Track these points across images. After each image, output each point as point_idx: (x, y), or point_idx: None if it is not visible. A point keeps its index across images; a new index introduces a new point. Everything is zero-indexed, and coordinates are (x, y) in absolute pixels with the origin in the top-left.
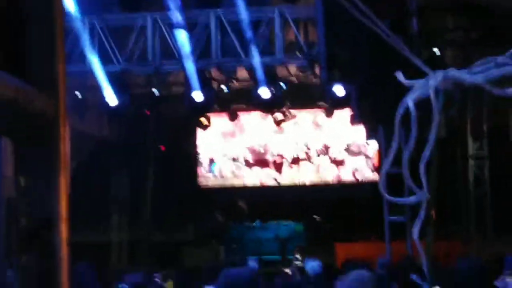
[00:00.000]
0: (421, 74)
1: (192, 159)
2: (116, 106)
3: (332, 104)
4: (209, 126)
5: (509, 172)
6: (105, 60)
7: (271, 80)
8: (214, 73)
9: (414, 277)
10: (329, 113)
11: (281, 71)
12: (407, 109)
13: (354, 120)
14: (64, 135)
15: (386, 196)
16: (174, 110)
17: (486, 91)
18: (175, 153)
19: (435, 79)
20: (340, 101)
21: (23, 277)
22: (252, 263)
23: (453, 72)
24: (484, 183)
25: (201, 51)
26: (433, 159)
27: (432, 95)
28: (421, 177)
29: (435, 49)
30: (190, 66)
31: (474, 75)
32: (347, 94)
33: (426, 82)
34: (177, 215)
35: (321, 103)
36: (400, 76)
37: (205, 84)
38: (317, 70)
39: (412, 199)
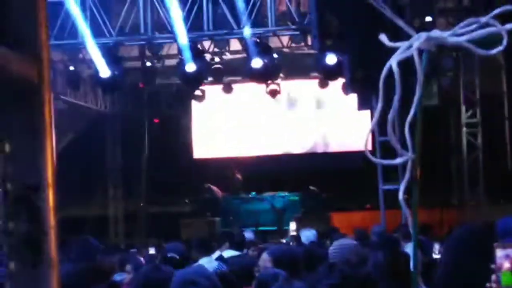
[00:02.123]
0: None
1: (187, 131)
2: (110, 79)
3: (325, 74)
4: (203, 98)
5: (501, 139)
6: (97, 32)
7: (264, 51)
8: (207, 45)
9: (409, 245)
10: (322, 83)
11: (273, 42)
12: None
13: (347, 89)
14: (49, 100)
15: (371, 157)
16: (168, 82)
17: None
18: (170, 125)
19: (418, 40)
20: (333, 71)
21: (11, 242)
22: (249, 234)
23: (436, 33)
24: (477, 150)
25: (193, 23)
26: (418, 119)
27: (415, 56)
28: (406, 138)
29: (427, 17)
30: (182, 38)
31: (457, 36)
32: (340, 63)
33: (410, 44)
34: (173, 188)
35: (314, 73)
36: (384, 38)
37: (198, 56)
38: (309, 40)
39: (397, 160)
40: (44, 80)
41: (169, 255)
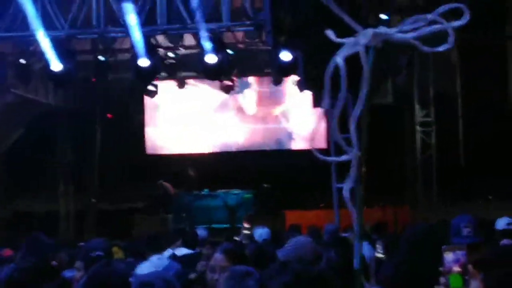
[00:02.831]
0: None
1: (139, 126)
2: (61, 73)
3: (279, 71)
4: (156, 93)
5: (455, 138)
6: (48, 25)
7: (218, 47)
8: (161, 39)
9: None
10: (276, 80)
11: (228, 38)
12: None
13: (301, 86)
14: None
15: (317, 154)
16: (120, 77)
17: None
18: (122, 120)
19: (365, 36)
20: (287, 68)
21: None
22: (202, 231)
23: (383, 30)
24: (430, 149)
25: (146, 17)
26: (363, 116)
27: (361, 52)
28: (351, 135)
29: (382, 15)
30: (135, 33)
31: (404, 33)
32: (294, 60)
33: (356, 40)
34: (126, 184)
35: (268, 70)
36: (330, 34)
37: (152, 51)
38: (264, 37)
39: (343, 157)
40: None
41: (94, 254)
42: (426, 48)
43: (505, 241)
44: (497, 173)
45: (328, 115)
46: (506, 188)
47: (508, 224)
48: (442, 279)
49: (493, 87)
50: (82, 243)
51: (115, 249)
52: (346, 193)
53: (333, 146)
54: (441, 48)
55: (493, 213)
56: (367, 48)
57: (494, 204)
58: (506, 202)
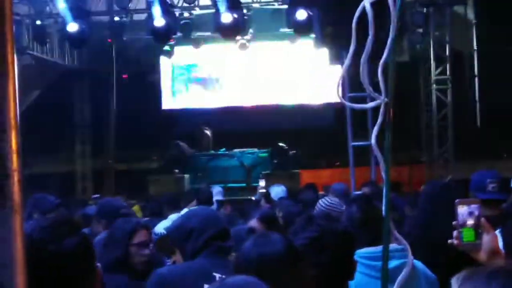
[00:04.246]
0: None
1: (156, 86)
2: (77, 33)
3: (295, 30)
4: (172, 53)
5: (471, 96)
6: None
7: (234, 5)
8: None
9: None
10: (292, 39)
11: None
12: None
13: (317, 44)
14: (11, 45)
15: (344, 101)
16: (136, 37)
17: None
18: (138, 81)
19: None
20: (304, 26)
21: None
22: (217, 189)
23: None
24: (446, 107)
25: None
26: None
27: None
28: (379, 81)
29: None
30: None
31: None
32: (310, 18)
33: None
34: (142, 144)
35: (284, 29)
36: None
37: (167, 11)
38: None
39: (371, 104)
40: (5, 32)
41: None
42: None
43: None
44: None
45: (348, 68)
46: None
47: None
48: (455, 233)
49: (509, 45)
50: (95, 196)
51: (135, 207)
52: (373, 140)
53: (341, 83)
54: None
55: (507, 172)
56: None
57: (509, 162)
58: None
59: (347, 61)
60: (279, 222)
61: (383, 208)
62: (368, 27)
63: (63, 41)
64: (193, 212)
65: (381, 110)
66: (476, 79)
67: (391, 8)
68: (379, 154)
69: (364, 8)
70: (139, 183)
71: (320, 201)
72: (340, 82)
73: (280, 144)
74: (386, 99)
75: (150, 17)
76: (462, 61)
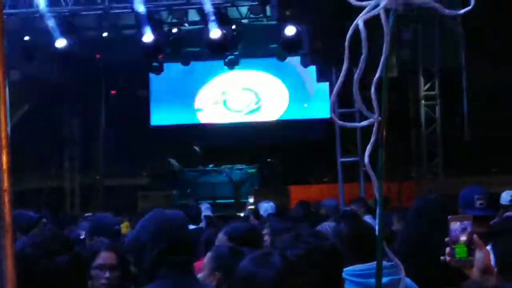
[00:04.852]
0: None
1: (144, 102)
2: (66, 49)
3: (284, 46)
4: (161, 69)
5: (459, 111)
6: (52, 2)
7: (223, 21)
8: (165, 15)
9: (367, 217)
10: (281, 55)
11: (232, 13)
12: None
13: (306, 61)
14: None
15: (336, 120)
16: (125, 53)
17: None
18: (127, 96)
19: None
20: (292, 43)
21: None
22: (205, 205)
23: None
24: (435, 122)
25: None
26: (384, 80)
27: (382, 14)
28: (372, 100)
29: None
30: (140, 8)
31: None
32: (299, 35)
33: (376, 2)
34: (130, 160)
35: (273, 45)
36: None
37: (156, 27)
38: (268, 11)
39: (364, 123)
40: None
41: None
42: (447, 11)
43: (508, 213)
44: (501, 147)
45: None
46: (509, 162)
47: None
48: (447, 249)
49: (496, 61)
50: (88, 214)
51: (125, 224)
52: (367, 159)
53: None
54: (462, 11)
55: (496, 187)
56: (387, 11)
57: (498, 178)
58: (509, 176)
59: (340, 79)
60: (253, 239)
61: (377, 227)
62: (358, 43)
63: (52, 57)
64: (146, 222)
65: (374, 129)
66: (465, 94)
67: (384, 25)
68: (372, 173)
69: (357, 26)
70: (128, 199)
71: (326, 224)
72: (334, 100)
73: (269, 160)
74: (379, 118)
75: (139, 33)
76: (450, 77)
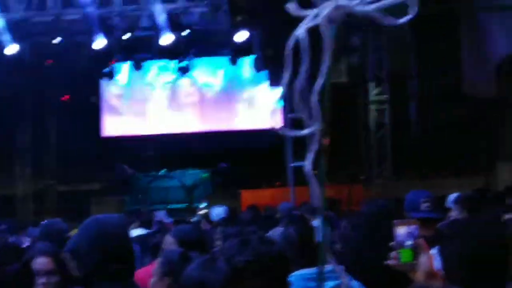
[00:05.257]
0: None
1: (96, 108)
2: (17, 55)
3: (236, 51)
4: (112, 75)
5: (408, 116)
6: (3, 8)
7: (175, 27)
8: (117, 21)
9: (315, 222)
10: (233, 60)
11: (184, 18)
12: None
13: (258, 66)
14: None
15: (278, 131)
16: (76, 59)
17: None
18: (78, 102)
19: (326, 8)
20: (244, 48)
21: None
22: (162, 213)
23: (344, 2)
24: (384, 127)
25: None
26: (326, 90)
27: (322, 25)
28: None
29: None
30: (91, 14)
31: (366, 5)
32: (251, 40)
33: (318, 12)
34: (83, 166)
35: (225, 50)
36: (291, 6)
37: (108, 32)
38: (220, 16)
39: (305, 131)
40: None
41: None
42: (387, 20)
43: (453, 214)
44: (450, 151)
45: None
46: (458, 165)
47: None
48: (393, 253)
49: (446, 67)
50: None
51: (75, 230)
52: (308, 167)
53: (289, 125)
54: (402, 20)
55: (446, 190)
56: (328, 20)
57: (447, 181)
58: (458, 179)
59: (283, 89)
60: (201, 241)
61: (317, 236)
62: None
63: (3, 63)
64: (84, 230)
65: (316, 137)
66: (414, 99)
67: (324, 35)
68: (314, 181)
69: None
70: (81, 205)
71: (278, 229)
72: (281, 110)
73: (221, 164)
74: (320, 127)
75: (91, 39)
76: (400, 82)
